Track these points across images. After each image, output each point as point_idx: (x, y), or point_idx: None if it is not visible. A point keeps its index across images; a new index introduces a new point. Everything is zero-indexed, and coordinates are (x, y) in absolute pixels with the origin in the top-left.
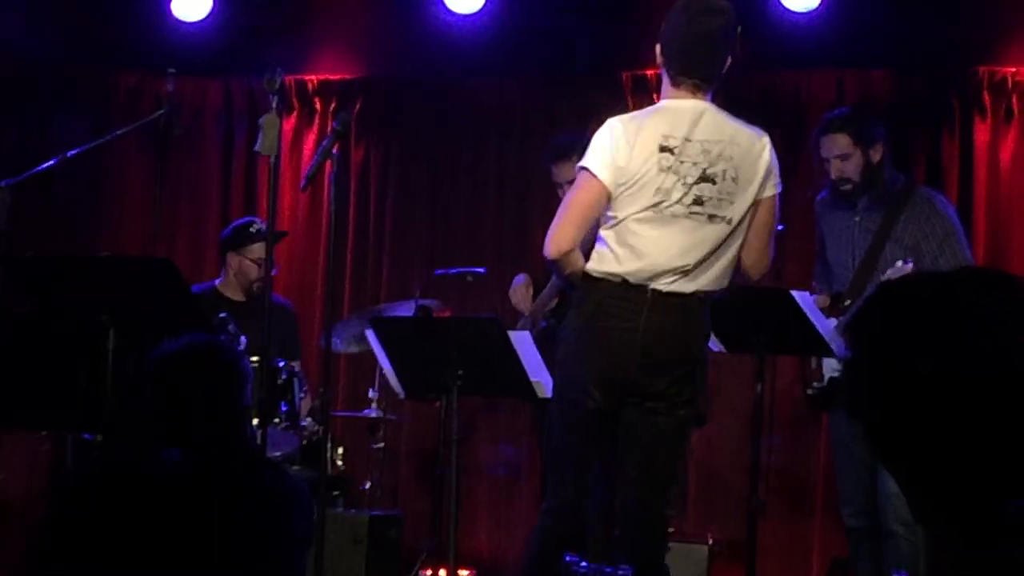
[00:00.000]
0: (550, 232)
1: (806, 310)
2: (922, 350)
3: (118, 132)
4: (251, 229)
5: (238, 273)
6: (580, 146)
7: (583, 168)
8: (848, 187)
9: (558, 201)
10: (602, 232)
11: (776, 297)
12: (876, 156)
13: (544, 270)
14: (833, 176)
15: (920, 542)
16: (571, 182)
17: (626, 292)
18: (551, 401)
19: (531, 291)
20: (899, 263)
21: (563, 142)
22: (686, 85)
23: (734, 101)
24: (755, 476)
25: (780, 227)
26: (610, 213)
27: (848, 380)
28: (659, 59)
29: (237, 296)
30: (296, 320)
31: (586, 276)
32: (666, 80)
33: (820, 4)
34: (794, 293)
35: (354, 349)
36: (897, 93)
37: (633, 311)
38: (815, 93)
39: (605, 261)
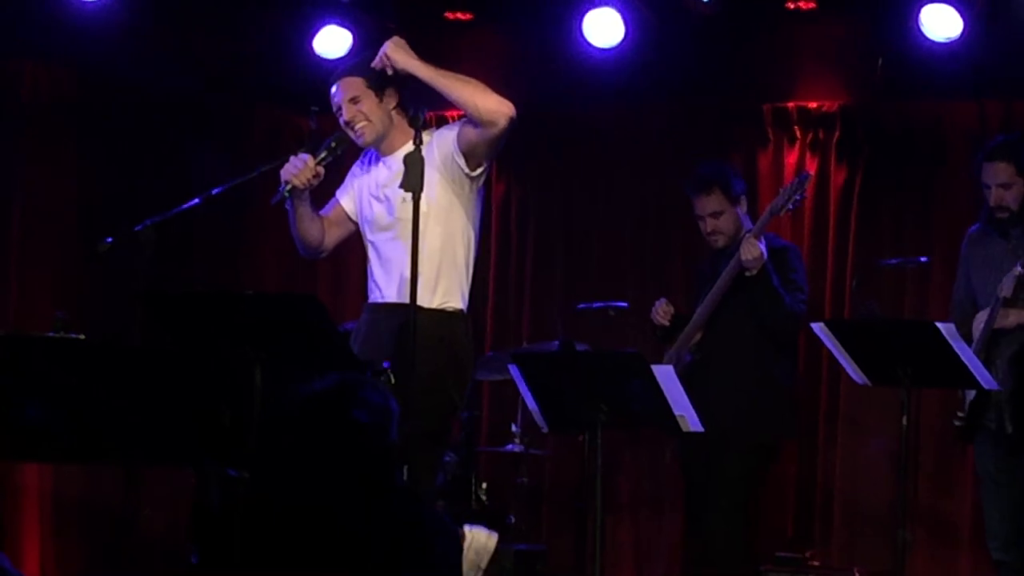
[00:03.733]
0: (498, 98)
1: (952, 342)
2: None
3: (261, 168)
4: None
5: None
6: (722, 177)
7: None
8: (1005, 215)
9: (698, 233)
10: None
11: (921, 329)
12: None
13: (687, 303)
14: (992, 203)
15: None
16: (713, 214)
17: None
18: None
19: (672, 309)
20: (1016, 268)
21: (705, 173)
22: None
23: (872, 130)
24: (902, 509)
25: (924, 259)
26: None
27: (1014, 411)
28: (396, 98)
29: None
30: None
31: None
32: (405, 121)
33: (961, 32)
34: (939, 325)
35: (497, 377)
36: None
37: None
38: (955, 123)
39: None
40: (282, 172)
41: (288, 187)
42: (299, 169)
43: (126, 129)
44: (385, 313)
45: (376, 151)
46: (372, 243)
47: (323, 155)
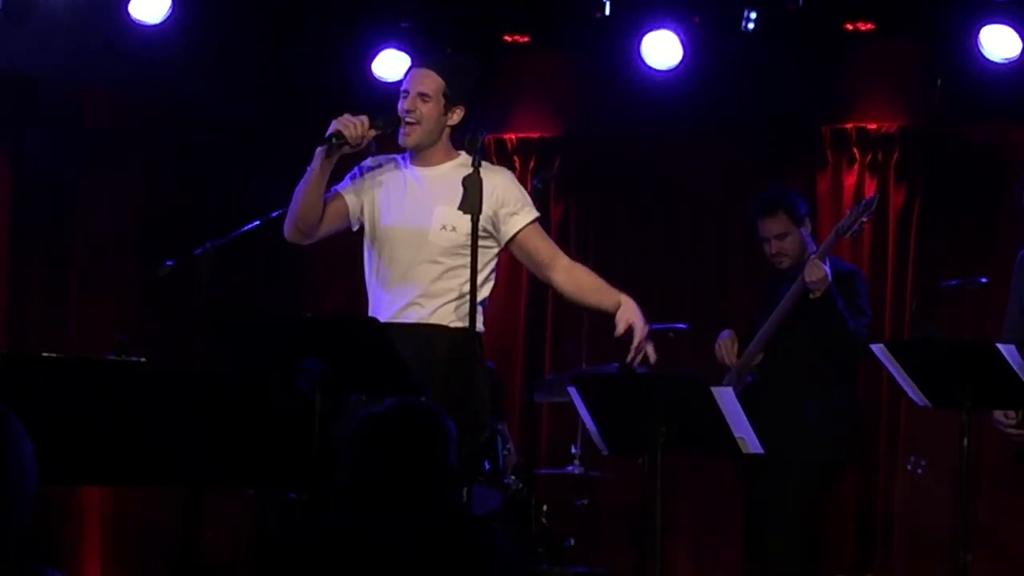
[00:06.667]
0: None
1: (1012, 364)
2: None
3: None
4: None
5: None
6: (787, 199)
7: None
8: None
9: (759, 255)
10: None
11: (982, 350)
12: None
13: (746, 326)
14: None
15: None
16: (777, 236)
17: None
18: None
19: (736, 345)
20: None
21: (769, 196)
22: None
23: (932, 154)
24: (963, 535)
25: (984, 279)
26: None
27: None
28: (459, 117)
29: None
30: (502, 383)
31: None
32: (450, 142)
33: (1021, 53)
34: (1000, 346)
35: (557, 399)
36: None
37: None
38: (1016, 144)
39: None
40: (334, 121)
41: (335, 133)
42: (352, 123)
43: (186, 153)
44: (402, 334)
45: (408, 160)
46: (391, 259)
47: (379, 122)
